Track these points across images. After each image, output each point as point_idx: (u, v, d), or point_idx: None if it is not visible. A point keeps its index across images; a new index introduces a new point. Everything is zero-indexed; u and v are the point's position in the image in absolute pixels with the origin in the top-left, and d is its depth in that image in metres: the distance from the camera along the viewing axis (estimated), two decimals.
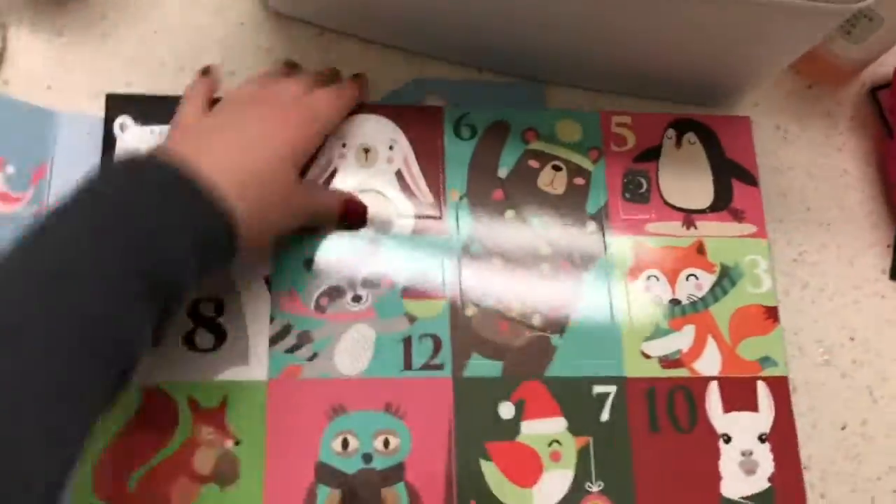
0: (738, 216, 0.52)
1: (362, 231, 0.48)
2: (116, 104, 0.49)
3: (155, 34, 0.55)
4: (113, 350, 0.35)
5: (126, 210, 0.37)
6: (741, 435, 0.48)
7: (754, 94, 0.58)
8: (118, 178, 0.39)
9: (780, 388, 0.49)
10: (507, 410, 0.46)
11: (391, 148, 0.50)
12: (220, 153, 0.41)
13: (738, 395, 0.48)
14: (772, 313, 0.50)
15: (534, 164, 0.51)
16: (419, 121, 0.51)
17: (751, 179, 0.53)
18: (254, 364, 0.46)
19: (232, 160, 0.41)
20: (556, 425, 0.47)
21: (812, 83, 0.59)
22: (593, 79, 0.56)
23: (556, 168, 0.51)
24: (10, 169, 0.48)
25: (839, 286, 0.54)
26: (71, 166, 0.49)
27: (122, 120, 0.49)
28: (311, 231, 0.48)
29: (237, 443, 0.44)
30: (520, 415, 0.46)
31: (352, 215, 0.48)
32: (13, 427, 0.30)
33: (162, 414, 0.44)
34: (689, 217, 0.52)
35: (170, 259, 0.37)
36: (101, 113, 0.49)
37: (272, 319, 0.46)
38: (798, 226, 0.56)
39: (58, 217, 0.36)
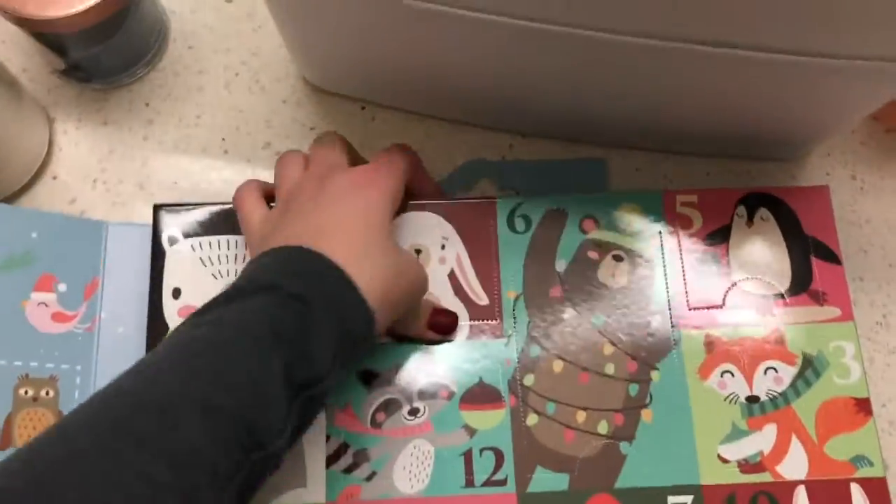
0: (819, 299, 0.47)
1: (417, 341, 0.46)
2: (165, 214, 0.48)
3: (198, 118, 0.55)
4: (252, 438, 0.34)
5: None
6: None
7: (826, 143, 0.53)
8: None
9: (878, 490, 0.44)
10: None
11: (443, 247, 0.48)
12: (337, 236, 0.40)
13: (830, 501, 0.44)
14: (863, 406, 0.45)
15: (594, 255, 0.48)
16: (471, 215, 0.48)
17: (832, 257, 0.48)
18: (311, 486, 0.44)
19: (351, 240, 0.40)
20: None
21: (890, 128, 0.54)
22: (654, 139, 0.52)
23: (618, 258, 0.48)
24: (63, 287, 0.48)
25: None
26: (122, 278, 0.49)
27: (171, 233, 0.48)
28: None
29: None
30: None
31: (441, 327, 0.46)
32: None
33: None
34: (765, 303, 0.47)
35: (316, 355, 0.37)
36: (149, 215, 0.48)
37: (328, 437, 0.44)
38: (881, 285, 0.51)
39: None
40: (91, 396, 0.34)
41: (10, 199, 0.53)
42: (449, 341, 0.46)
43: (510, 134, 0.54)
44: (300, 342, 0.36)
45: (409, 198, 0.48)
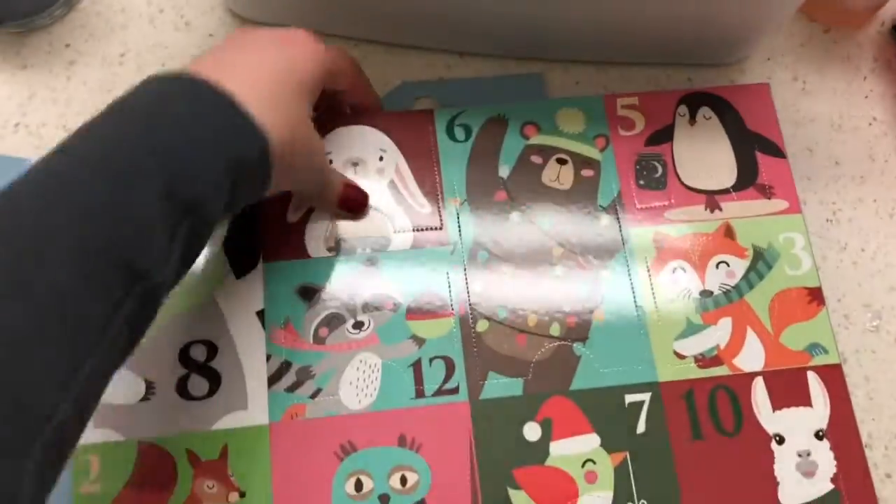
0: (766, 192, 0.45)
1: (358, 250, 0.43)
2: None
3: (122, 57, 0.51)
4: (125, 247, 0.30)
5: (155, 120, 0.32)
6: (795, 434, 0.41)
7: (767, 46, 0.52)
8: (149, 91, 0.34)
9: (833, 376, 0.42)
10: (532, 432, 0.41)
11: (381, 159, 0.45)
12: (244, 73, 0.36)
13: (788, 390, 0.42)
14: (815, 295, 0.44)
15: (536, 159, 0.45)
16: (409, 127, 0.46)
17: (777, 151, 0.46)
18: (253, 408, 0.40)
19: (258, 80, 0.36)
20: (589, 443, 0.41)
21: (828, 28, 0.53)
22: (593, 50, 0.49)
23: (561, 161, 0.45)
24: None
25: (882, 243, 0.48)
26: None
27: None
28: (300, 254, 0.43)
29: (242, 495, 0.39)
30: (547, 435, 0.41)
31: (351, 202, 0.43)
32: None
33: (160, 471, 0.39)
34: (712, 199, 0.45)
35: (200, 173, 0.32)
36: None
37: (269, 357, 0.41)
38: (828, 183, 0.49)
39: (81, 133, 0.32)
40: None
41: None
42: (357, 217, 0.43)
43: (447, 54, 0.51)
44: (179, 161, 0.32)
45: (350, 111, 0.45)
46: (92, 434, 0.39)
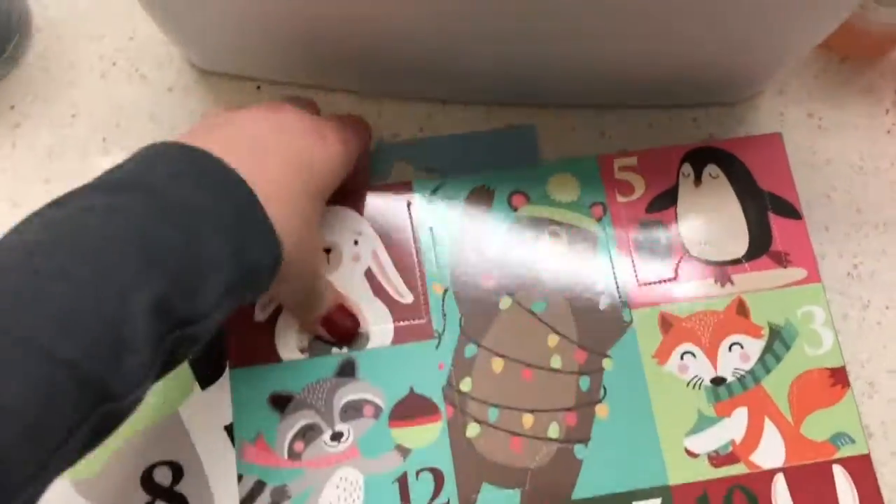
0: (782, 260, 0.41)
1: (333, 350, 0.39)
2: None
3: (73, 118, 0.47)
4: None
5: (164, 212, 0.28)
6: None
7: (778, 79, 0.47)
8: (161, 162, 0.30)
9: (862, 469, 0.38)
10: None
11: (356, 243, 0.40)
12: (270, 168, 0.32)
13: (812, 488, 0.38)
14: (839, 377, 0.40)
15: (527, 234, 0.41)
16: (384, 204, 0.41)
17: (792, 211, 0.42)
18: None
19: (282, 178, 0.32)
20: None
21: (845, 56, 0.47)
22: (590, 94, 0.45)
23: (554, 234, 0.41)
24: None
25: None
26: None
27: None
28: (271, 359, 0.39)
29: None
30: None
31: (338, 328, 0.39)
32: None
33: None
34: (722, 271, 0.41)
35: (202, 288, 0.28)
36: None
37: (240, 478, 0.37)
38: (849, 232, 0.44)
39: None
40: None
41: None
42: (340, 347, 0.39)
43: (428, 102, 0.47)
44: (182, 269, 0.28)
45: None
46: None
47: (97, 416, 0.26)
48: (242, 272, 0.29)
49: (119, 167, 0.30)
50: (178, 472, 0.37)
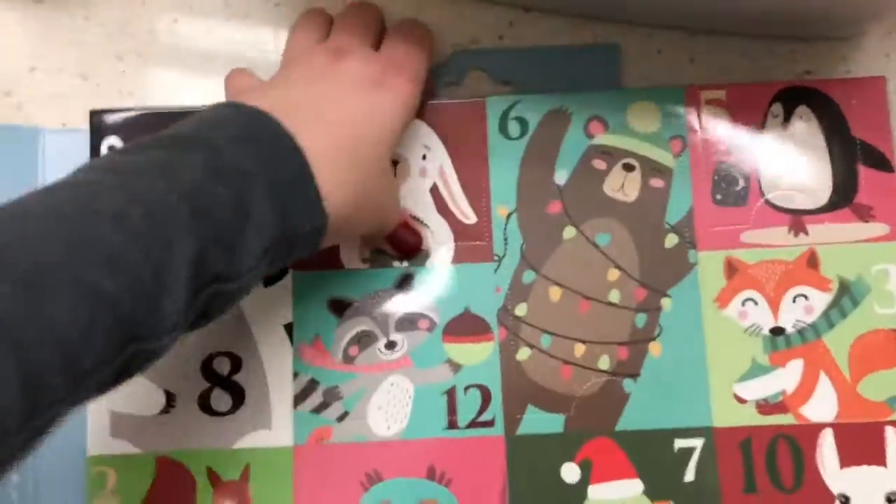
0: (864, 214, 0.39)
1: (395, 263, 0.39)
2: (102, 122, 0.41)
3: None
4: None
5: (212, 170, 0.29)
6: (863, 496, 0.37)
7: (890, 18, 0.43)
8: (222, 121, 0.32)
9: None
10: (571, 473, 0.38)
11: (424, 157, 0.40)
12: (325, 130, 0.33)
13: (860, 446, 0.37)
14: None
15: (600, 164, 0.40)
16: (457, 118, 0.40)
17: (884, 163, 0.39)
18: (277, 428, 0.38)
19: (339, 139, 0.33)
20: (631, 489, 0.38)
21: None
22: (681, 14, 0.42)
23: (628, 168, 0.40)
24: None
25: None
26: None
27: (111, 142, 0.41)
28: (334, 265, 0.39)
29: None
30: (587, 478, 0.38)
31: (402, 244, 0.39)
32: None
33: (179, 488, 0.38)
34: (798, 220, 0.39)
35: (240, 248, 0.29)
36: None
37: (295, 375, 0.39)
38: None
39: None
40: None
41: None
42: (402, 261, 0.39)
43: (511, 7, 0.45)
44: (226, 226, 0.29)
45: None
46: (108, 445, 0.38)
47: (127, 354, 0.27)
48: (284, 237, 0.31)
49: (186, 122, 0.31)
50: (236, 363, 0.39)
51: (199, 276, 0.28)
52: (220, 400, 0.39)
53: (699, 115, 0.40)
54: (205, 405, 0.38)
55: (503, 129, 0.40)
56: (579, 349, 0.38)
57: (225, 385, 0.39)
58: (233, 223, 0.29)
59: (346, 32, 0.38)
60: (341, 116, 0.34)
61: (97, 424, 0.38)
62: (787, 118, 0.40)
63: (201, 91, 0.44)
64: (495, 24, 0.44)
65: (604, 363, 0.38)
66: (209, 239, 0.28)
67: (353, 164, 0.33)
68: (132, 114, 0.41)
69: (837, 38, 0.43)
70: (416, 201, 0.39)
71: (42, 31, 0.46)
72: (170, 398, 0.38)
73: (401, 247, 0.39)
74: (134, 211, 0.27)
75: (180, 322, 0.28)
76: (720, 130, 0.40)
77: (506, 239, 0.39)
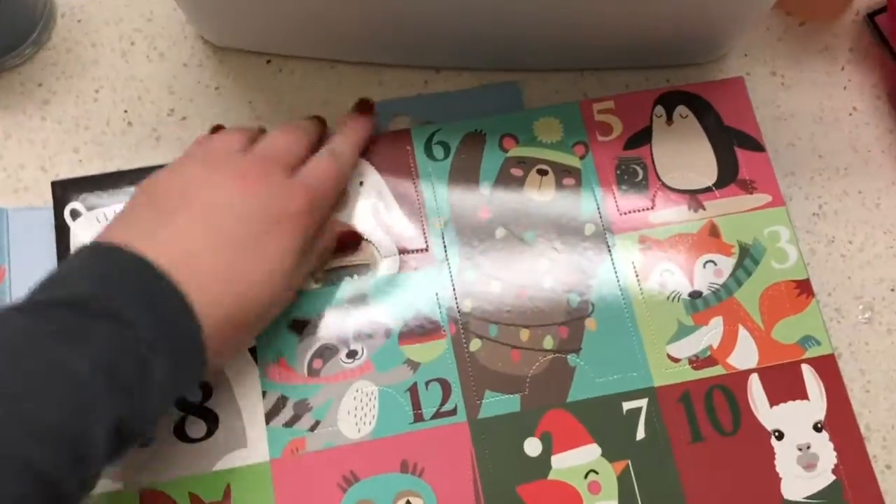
0: (748, 187, 0.45)
1: (345, 279, 0.43)
2: (64, 190, 0.44)
3: (96, 93, 0.51)
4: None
5: (116, 344, 0.31)
6: (794, 428, 0.41)
7: (744, 42, 0.51)
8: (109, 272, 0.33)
9: (827, 367, 0.42)
10: (533, 447, 0.40)
11: (361, 184, 0.44)
12: (205, 275, 0.34)
13: (784, 385, 0.42)
14: (804, 287, 0.43)
15: (517, 172, 0.45)
16: (386, 149, 0.45)
17: (755, 145, 0.46)
18: (253, 445, 0.40)
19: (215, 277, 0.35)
20: (590, 454, 0.40)
21: (804, 20, 0.52)
22: (570, 58, 0.49)
23: (542, 172, 0.45)
24: None
25: (869, 234, 0.47)
26: (29, 263, 0.44)
27: (73, 206, 0.44)
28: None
29: None
30: (548, 449, 0.40)
31: (347, 245, 0.43)
32: None
33: None
34: (694, 198, 0.45)
35: (151, 412, 0.33)
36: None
37: (264, 393, 0.41)
38: (813, 177, 0.49)
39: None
40: None
41: None
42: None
43: (424, 70, 0.51)
44: (138, 396, 0.31)
45: None
46: None
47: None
48: (175, 392, 0.35)
49: (82, 281, 0.32)
50: (207, 390, 0.41)
51: (116, 439, 0.31)
52: (195, 426, 0.40)
53: (594, 123, 0.46)
54: (181, 434, 0.40)
55: (428, 152, 0.45)
56: (524, 334, 0.42)
57: (198, 412, 0.40)
58: (142, 394, 0.31)
59: (271, 143, 0.40)
60: (241, 261, 0.36)
61: None
62: (669, 117, 0.46)
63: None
64: (412, 84, 0.51)
65: (548, 343, 0.42)
66: (125, 409, 0.31)
67: (242, 292, 0.36)
68: (91, 177, 0.44)
69: (701, 63, 0.50)
70: (360, 222, 0.43)
71: (2, 133, 0.50)
72: None
73: (347, 247, 0.43)
74: (64, 379, 0.29)
75: (94, 476, 0.31)
76: (615, 133, 0.46)
77: (445, 245, 0.43)
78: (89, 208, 0.43)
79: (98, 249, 0.34)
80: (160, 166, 0.42)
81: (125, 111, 0.51)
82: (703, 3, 0.43)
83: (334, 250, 0.42)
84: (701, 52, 0.49)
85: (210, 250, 0.35)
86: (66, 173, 0.49)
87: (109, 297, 0.32)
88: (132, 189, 0.44)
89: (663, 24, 0.45)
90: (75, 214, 0.43)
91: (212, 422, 0.40)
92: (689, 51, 0.48)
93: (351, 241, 0.43)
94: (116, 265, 0.33)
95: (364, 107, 0.45)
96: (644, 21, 0.44)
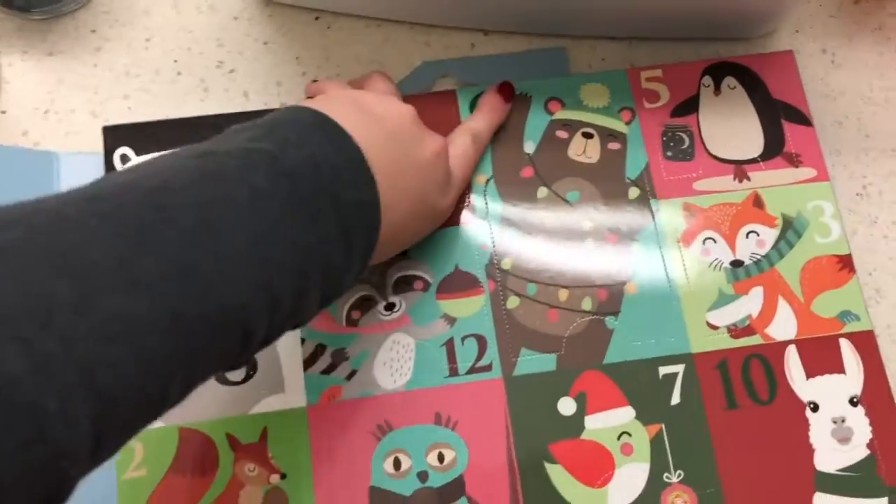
0: (793, 161, 0.45)
1: None
2: (114, 135, 0.44)
3: (147, 42, 0.51)
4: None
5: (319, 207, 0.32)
6: (830, 401, 0.41)
7: (795, 18, 0.51)
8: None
9: (865, 343, 0.42)
10: (567, 406, 0.41)
11: None
12: (402, 199, 0.36)
13: (821, 358, 0.41)
14: (846, 263, 0.43)
15: (562, 134, 0.45)
16: (432, 108, 0.45)
17: (803, 119, 0.46)
18: (290, 391, 0.40)
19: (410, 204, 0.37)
20: (624, 415, 0.40)
21: None
22: (619, 26, 0.49)
23: (587, 135, 0.45)
24: None
25: None
26: None
27: (123, 150, 0.44)
28: None
29: (283, 476, 0.39)
30: (582, 409, 0.40)
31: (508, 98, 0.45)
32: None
33: (202, 455, 0.39)
34: (740, 169, 0.45)
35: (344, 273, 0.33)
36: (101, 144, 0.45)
37: (303, 341, 0.41)
38: (859, 156, 0.48)
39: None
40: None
41: None
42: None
43: (472, 32, 0.51)
44: (337, 283, 0.33)
45: None
46: None
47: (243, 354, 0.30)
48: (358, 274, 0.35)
49: (286, 143, 0.32)
50: None
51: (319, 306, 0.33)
52: (234, 371, 0.41)
53: (641, 90, 0.46)
54: (220, 377, 0.41)
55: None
56: (563, 294, 0.42)
57: None
58: (339, 281, 0.33)
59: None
60: (416, 202, 0.37)
61: None
62: (717, 87, 0.46)
63: None
64: (459, 46, 0.51)
65: (587, 304, 0.42)
66: (326, 290, 0.32)
67: (415, 211, 0.37)
68: (141, 124, 0.45)
69: (753, 38, 0.50)
70: None
71: (55, 77, 0.51)
72: None
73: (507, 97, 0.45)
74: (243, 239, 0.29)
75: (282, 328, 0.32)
76: (662, 100, 0.46)
77: (486, 202, 0.43)
78: (139, 153, 0.44)
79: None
80: (208, 117, 0.42)
81: (175, 61, 0.51)
82: None
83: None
84: (752, 26, 0.49)
85: (387, 151, 0.36)
86: (115, 119, 0.49)
87: (307, 164, 0.32)
88: (181, 136, 0.44)
89: None
90: (125, 159, 0.44)
91: (251, 366, 0.41)
92: (739, 25, 0.48)
93: (505, 93, 0.45)
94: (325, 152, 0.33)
95: (507, 90, 0.45)
96: None
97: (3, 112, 0.50)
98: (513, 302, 0.42)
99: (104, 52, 0.51)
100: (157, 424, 0.40)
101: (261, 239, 0.29)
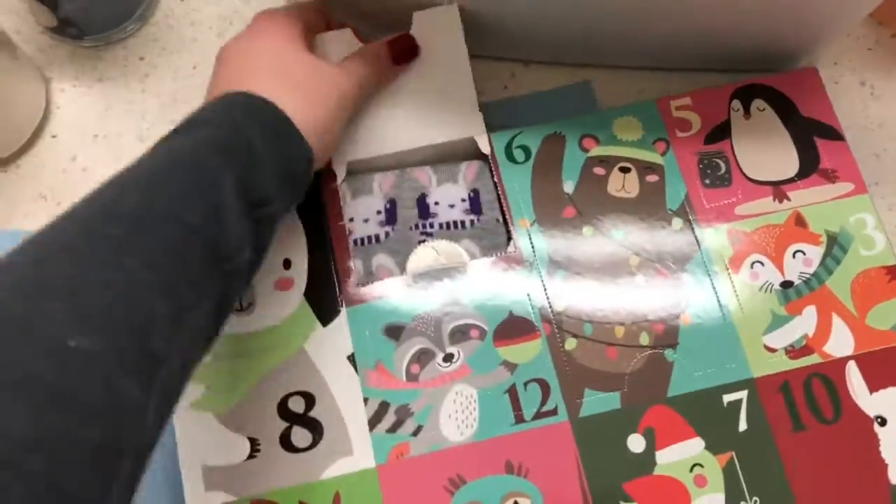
0: (830, 177, 0.45)
1: (437, 285, 0.43)
2: None
3: (194, 69, 0.53)
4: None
5: (234, 140, 0.36)
6: None
7: (832, 51, 0.51)
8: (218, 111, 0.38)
9: None
10: (636, 443, 0.40)
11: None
12: (304, 105, 0.40)
13: (882, 371, 0.42)
14: (894, 273, 0.43)
15: (599, 171, 0.45)
16: None
17: (835, 134, 0.46)
18: (358, 452, 0.40)
19: (315, 110, 0.40)
20: (694, 447, 0.40)
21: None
22: (646, 56, 0.49)
23: (625, 170, 0.45)
24: None
25: None
26: None
27: None
28: (383, 296, 0.43)
29: None
30: (652, 445, 0.40)
31: (401, 55, 0.45)
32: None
33: None
34: (778, 189, 0.45)
35: (264, 182, 0.37)
36: None
37: (366, 400, 0.41)
38: None
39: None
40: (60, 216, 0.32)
41: (11, 159, 0.51)
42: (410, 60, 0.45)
43: (512, 63, 0.52)
44: (248, 165, 0.36)
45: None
46: (205, 499, 0.39)
47: (219, 274, 0.33)
48: (287, 172, 0.38)
49: (205, 108, 0.38)
50: (310, 400, 0.41)
51: (243, 201, 0.35)
52: (300, 436, 0.41)
53: (673, 119, 0.46)
54: (287, 444, 0.40)
55: (510, 156, 0.45)
56: (620, 331, 0.42)
57: (302, 422, 0.41)
58: (251, 161, 0.36)
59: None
60: (315, 95, 0.40)
61: (192, 481, 0.40)
62: (746, 111, 0.47)
63: None
64: (499, 76, 0.51)
65: (644, 339, 0.42)
66: (241, 173, 0.35)
67: (323, 123, 0.40)
68: None
69: (783, 71, 0.50)
70: (450, 230, 0.44)
71: (104, 103, 0.52)
72: (254, 444, 0.40)
73: (402, 56, 0.45)
74: (187, 170, 0.34)
75: (245, 241, 0.35)
76: (694, 128, 0.46)
77: (532, 245, 0.44)
78: None
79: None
80: None
81: None
82: (795, 11, 0.43)
83: (394, 60, 0.45)
84: (788, 59, 0.49)
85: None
86: None
87: (225, 115, 0.38)
88: None
89: (745, 30, 0.45)
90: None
91: (316, 431, 0.41)
92: (774, 58, 0.49)
93: (404, 46, 0.45)
94: (236, 102, 0.39)
95: (400, 50, 0.46)
96: (725, 26, 0.44)
97: (54, 136, 0.51)
98: (570, 343, 0.42)
99: (152, 79, 0.52)
100: (227, 499, 0.39)
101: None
